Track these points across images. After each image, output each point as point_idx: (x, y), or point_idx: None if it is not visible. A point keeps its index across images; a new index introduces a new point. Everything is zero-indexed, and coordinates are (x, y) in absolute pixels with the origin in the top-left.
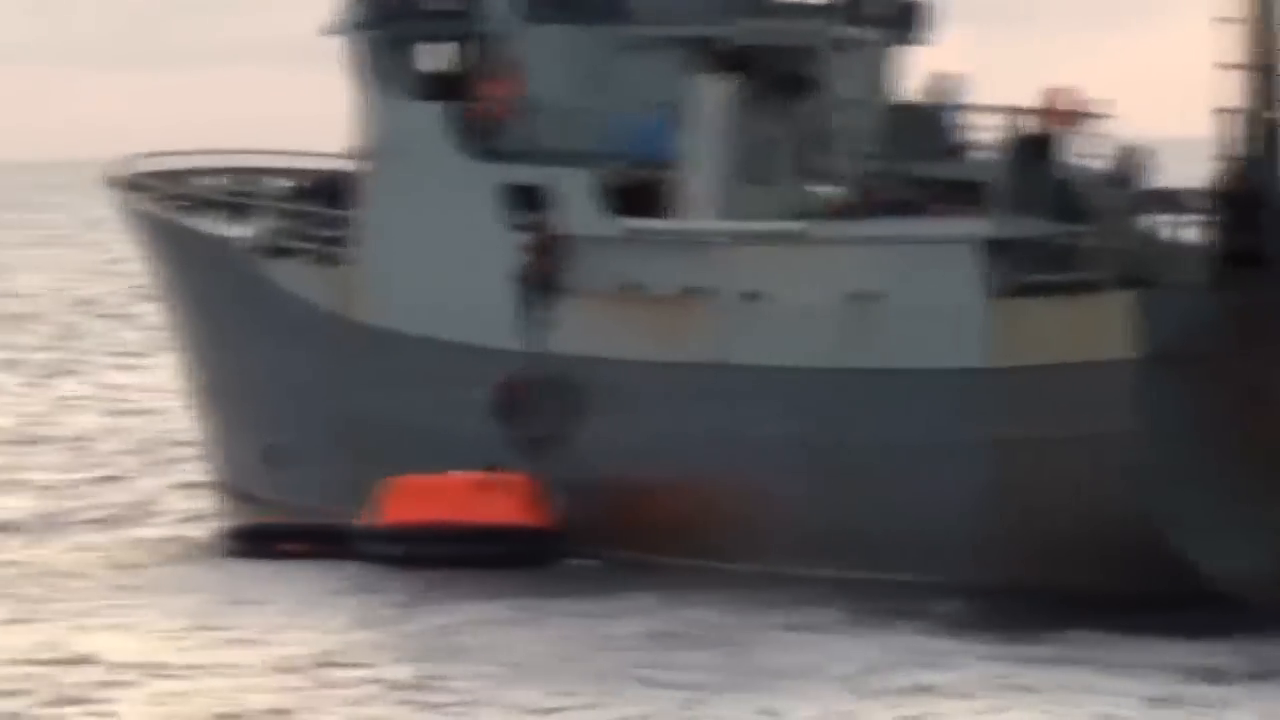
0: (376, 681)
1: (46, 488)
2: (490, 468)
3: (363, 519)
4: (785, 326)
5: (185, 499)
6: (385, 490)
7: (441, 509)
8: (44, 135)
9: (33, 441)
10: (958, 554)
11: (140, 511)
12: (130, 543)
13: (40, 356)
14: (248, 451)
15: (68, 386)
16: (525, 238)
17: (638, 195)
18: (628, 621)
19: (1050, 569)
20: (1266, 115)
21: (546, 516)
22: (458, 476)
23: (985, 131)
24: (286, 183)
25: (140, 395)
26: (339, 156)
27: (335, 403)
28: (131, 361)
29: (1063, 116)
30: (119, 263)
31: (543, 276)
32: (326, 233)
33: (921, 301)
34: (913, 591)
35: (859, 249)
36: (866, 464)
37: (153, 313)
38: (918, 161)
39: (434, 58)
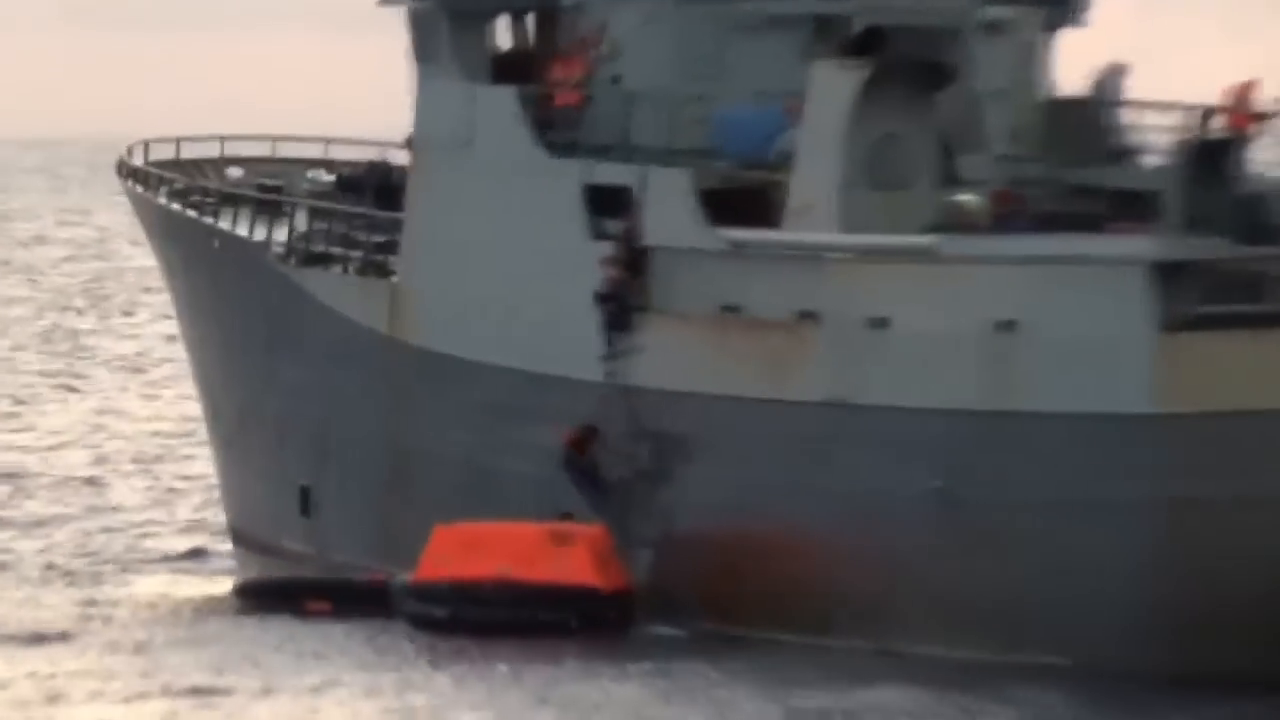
0: None
1: (38, 524)
2: (564, 516)
3: (406, 574)
4: (916, 361)
5: (194, 544)
6: (434, 540)
7: (498, 564)
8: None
9: (19, 475)
10: (1116, 633)
11: (142, 558)
12: (130, 597)
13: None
14: (275, 494)
15: (63, 406)
16: (608, 249)
17: (743, 201)
18: (712, 708)
19: (1226, 652)
20: None
21: (622, 577)
22: (519, 526)
23: (1156, 133)
24: (326, 176)
25: (145, 420)
26: (390, 146)
27: (379, 439)
28: (135, 380)
29: (1248, 118)
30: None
31: (628, 295)
32: (373, 237)
33: (1078, 334)
34: (1059, 676)
35: (1005, 270)
36: (1009, 525)
37: (164, 325)
38: (1075, 167)
39: (502, 34)
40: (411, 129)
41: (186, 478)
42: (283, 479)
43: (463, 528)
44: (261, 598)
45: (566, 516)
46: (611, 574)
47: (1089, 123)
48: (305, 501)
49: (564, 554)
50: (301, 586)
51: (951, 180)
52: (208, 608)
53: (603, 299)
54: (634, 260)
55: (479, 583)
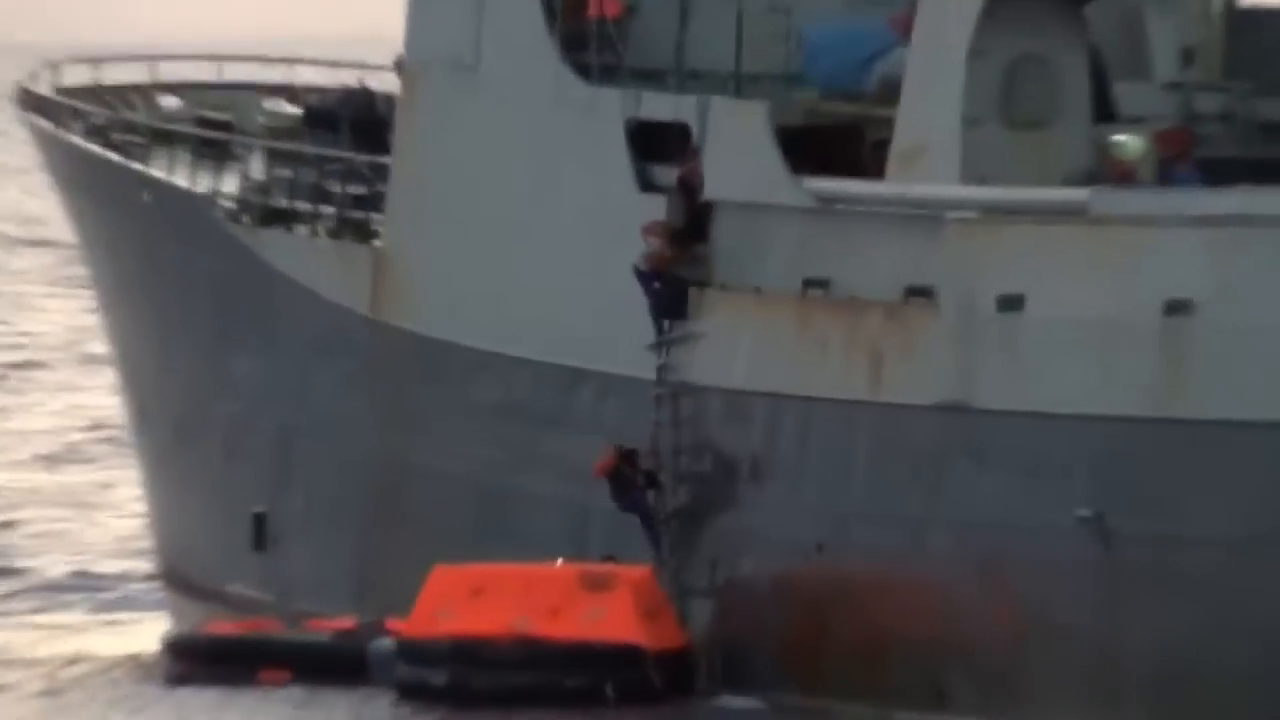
0: None
1: None
2: (608, 559)
3: (390, 626)
4: (1060, 353)
5: (117, 588)
6: (431, 584)
7: (514, 615)
8: None
9: None
10: None
11: (44, 604)
12: (33, 652)
13: None
14: (221, 523)
15: None
16: (656, 208)
17: (834, 143)
18: None
19: None
20: None
21: (676, 633)
22: (541, 568)
23: None
24: (289, 107)
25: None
26: (373, 69)
27: (360, 453)
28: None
29: None
30: None
31: (681, 270)
32: (350, 188)
33: (1275, 319)
34: None
35: (1178, 234)
36: (1180, 566)
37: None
38: (1267, 97)
39: None
40: (402, 47)
41: (103, 507)
42: (231, 504)
43: (469, 569)
44: (199, 659)
45: (611, 558)
46: (661, 629)
47: None
48: (260, 533)
49: (599, 603)
50: (252, 646)
51: (1106, 116)
52: (129, 669)
53: (645, 277)
54: (692, 219)
55: (489, 640)
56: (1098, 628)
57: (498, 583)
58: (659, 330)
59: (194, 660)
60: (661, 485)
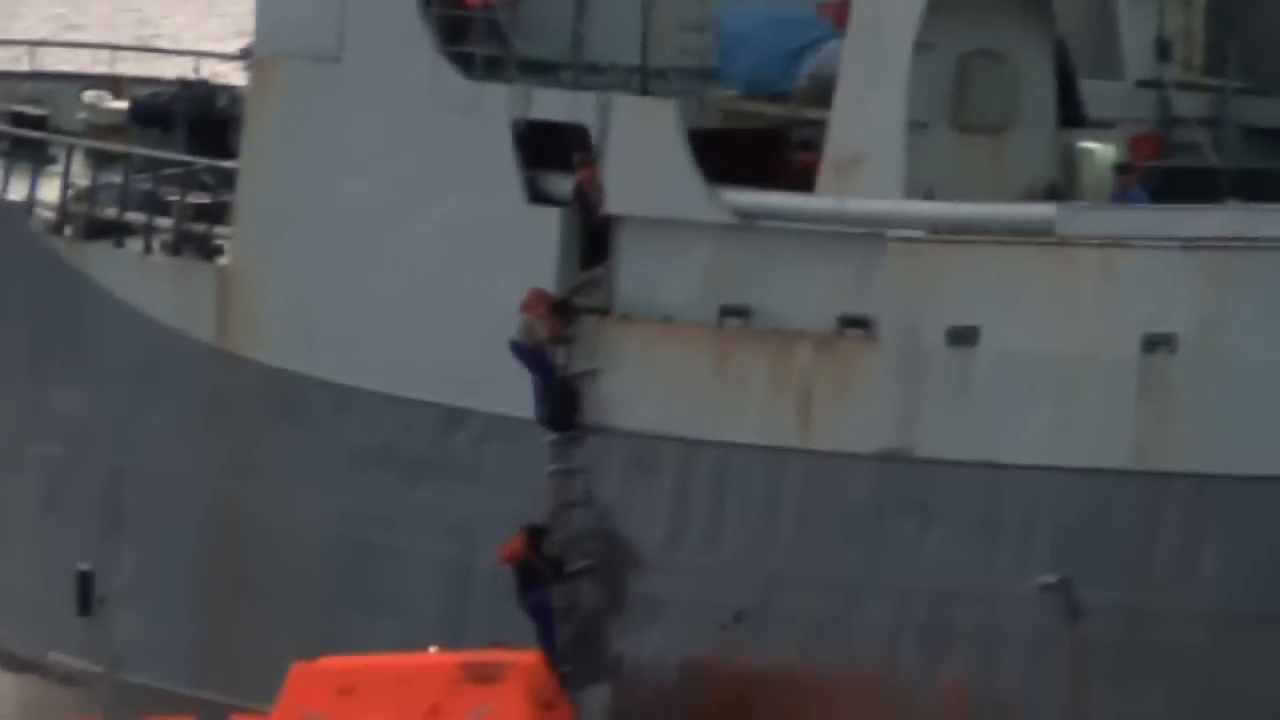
0: None
1: None
2: (495, 643)
3: None
4: (1025, 393)
5: None
6: (290, 685)
7: (390, 718)
8: None
9: None
10: None
11: None
12: None
13: None
14: (39, 583)
15: None
16: (554, 218)
17: (756, 150)
18: None
19: None
20: None
21: None
22: (418, 659)
23: None
24: (112, 101)
25: None
26: (213, 57)
27: (201, 502)
28: None
29: None
30: None
31: (587, 289)
32: (189, 197)
33: (1276, 356)
34: None
35: (1161, 258)
36: (1163, 643)
37: None
38: (1258, 95)
39: None
40: (252, 35)
41: None
42: (52, 560)
43: (332, 663)
44: None
45: (499, 643)
46: None
47: (1270, 29)
48: (85, 594)
49: (487, 696)
50: None
51: (1074, 119)
52: None
53: (526, 354)
54: (598, 236)
55: None
56: (1061, 712)
57: (367, 680)
58: (547, 422)
59: None
60: (568, 577)
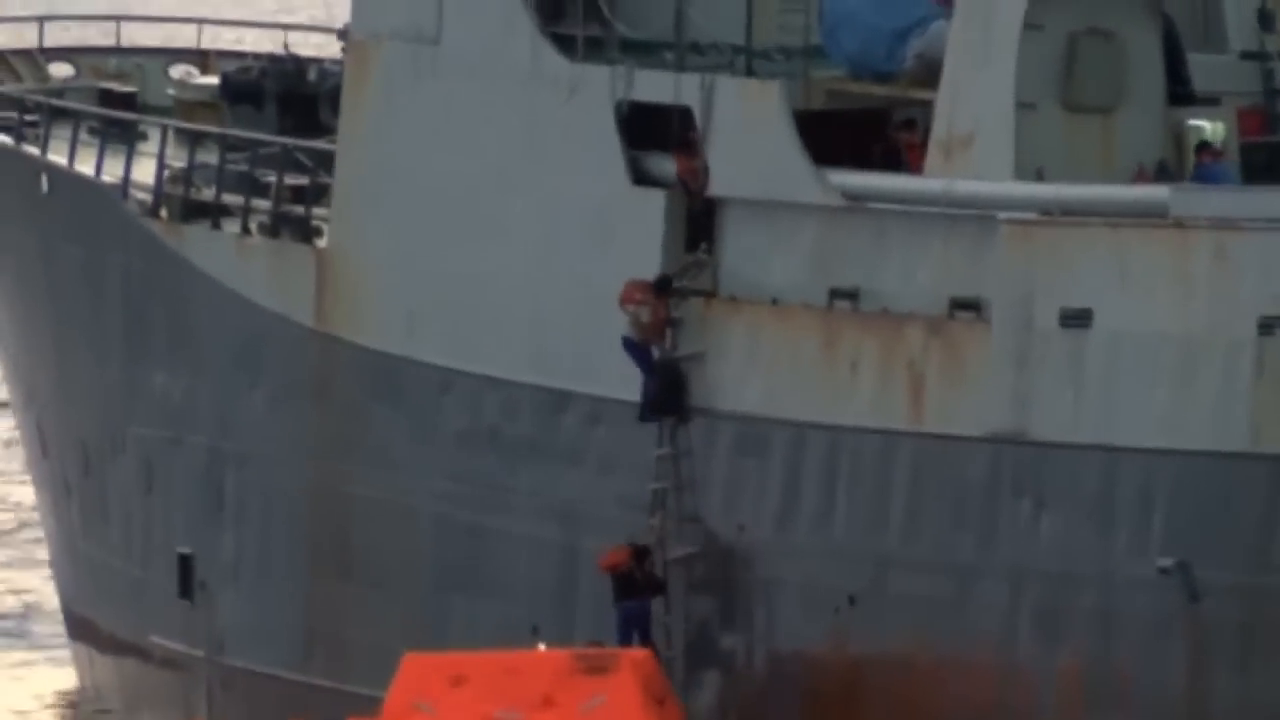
0: None
1: None
2: (594, 643)
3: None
4: (1140, 375)
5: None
6: (401, 675)
7: (498, 709)
8: None
9: None
10: None
11: None
12: None
13: None
14: (139, 566)
15: None
16: (659, 199)
17: (862, 131)
18: None
19: None
20: None
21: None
22: (527, 654)
23: None
24: (204, 78)
25: None
26: (303, 30)
27: (303, 486)
28: None
29: None
30: None
31: (691, 273)
32: (286, 179)
33: None
34: None
35: (1278, 239)
36: None
37: None
38: None
39: None
40: (350, 14)
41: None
42: (151, 543)
43: (444, 656)
44: None
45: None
46: (668, 716)
47: None
48: (186, 577)
49: (600, 689)
50: None
51: (1182, 97)
52: None
53: (637, 351)
54: (701, 218)
55: None
56: (1181, 694)
57: (477, 672)
58: (653, 416)
59: None
60: (667, 594)
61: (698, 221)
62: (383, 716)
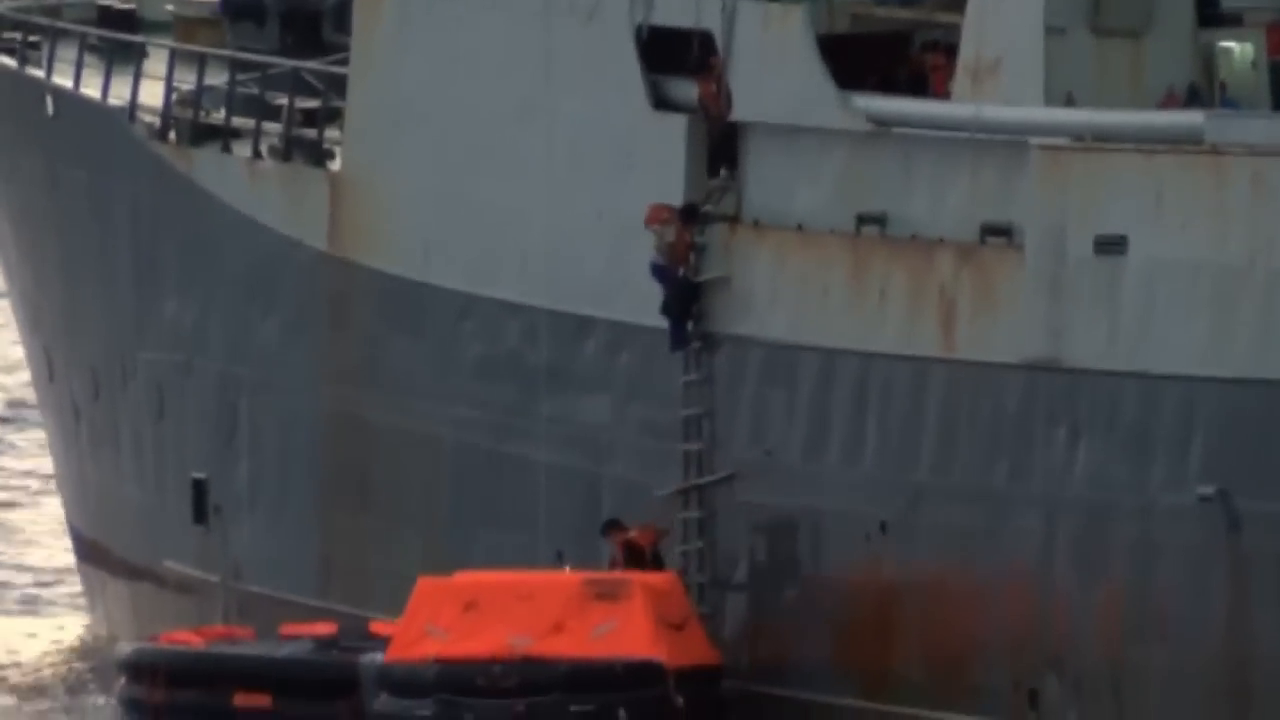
0: None
1: None
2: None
3: (379, 630)
4: (1177, 302)
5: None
6: (415, 598)
7: (510, 633)
8: None
9: None
10: None
11: None
12: None
13: None
14: (153, 491)
15: None
16: (681, 124)
17: (888, 55)
18: None
19: None
20: None
21: (703, 646)
22: (542, 576)
23: None
24: None
25: None
26: None
27: (317, 411)
28: None
29: None
30: None
31: (715, 197)
32: (296, 100)
33: None
34: None
35: None
36: None
37: None
38: None
39: None
40: None
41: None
42: (165, 469)
43: (458, 579)
44: (159, 681)
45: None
46: (685, 643)
47: None
48: (200, 503)
49: (610, 614)
50: (223, 665)
51: (1211, 17)
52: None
53: (665, 274)
54: (723, 144)
55: (480, 664)
56: (1222, 625)
57: (491, 595)
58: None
59: (154, 684)
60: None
61: (720, 146)
62: (396, 638)
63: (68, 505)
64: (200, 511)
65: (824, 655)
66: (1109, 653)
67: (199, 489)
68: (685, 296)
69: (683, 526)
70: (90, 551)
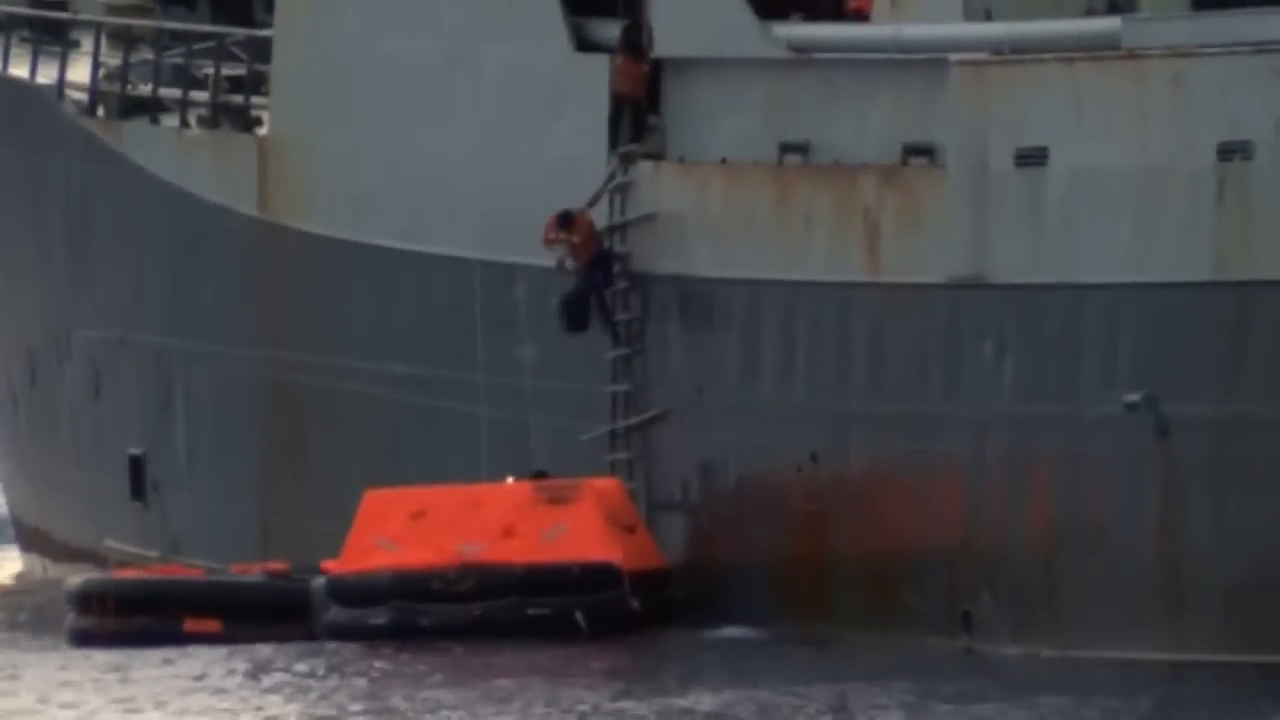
0: None
1: None
2: (539, 474)
3: (330, 568)
4: (1100, 211)
5: None
6: (363, 511)
7: (462, 539)
8: None
9: None
10: None
11: None
12: None
13: None
14: (90, 471)
15: None
16: (603, 64)
17: None
18: None
19: None
20: None
21: (654, 553)
22: (491, 486)
23: None
24: None
25: None
26: None
27: (252, 378)
28: None
29: None
30: None
31: (639, 133)
32: (224, 69)
33: None
34: None
35: (1237, 64)
36: (1256, 460)
37: None
38: None
39: None
40: None
41: None
42: (104, 447)
43: (407, 492)
44: (110, 611)
45: (542, 474)
46: (636, 546)
47: None
48: (137, 479)
49: (561, 518)
50: (172, 593)
51: None
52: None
53: (582, 276)
54: (639, 82)
55: (435, 570)
56: (1154, 531)
57: (440, 504)
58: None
59: (104, 613)
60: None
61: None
62: (344, 554)
63: (8, 496)
64: (138, 488)
65: (761, 589)
66: (1042, 564)
67: (136, 465)
68: (608, 264)
69: (611, 469)
70: (31, 539)
